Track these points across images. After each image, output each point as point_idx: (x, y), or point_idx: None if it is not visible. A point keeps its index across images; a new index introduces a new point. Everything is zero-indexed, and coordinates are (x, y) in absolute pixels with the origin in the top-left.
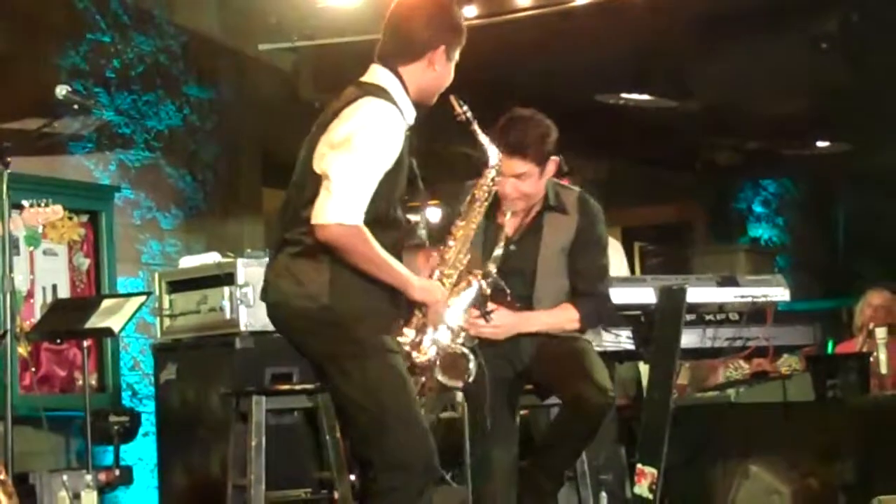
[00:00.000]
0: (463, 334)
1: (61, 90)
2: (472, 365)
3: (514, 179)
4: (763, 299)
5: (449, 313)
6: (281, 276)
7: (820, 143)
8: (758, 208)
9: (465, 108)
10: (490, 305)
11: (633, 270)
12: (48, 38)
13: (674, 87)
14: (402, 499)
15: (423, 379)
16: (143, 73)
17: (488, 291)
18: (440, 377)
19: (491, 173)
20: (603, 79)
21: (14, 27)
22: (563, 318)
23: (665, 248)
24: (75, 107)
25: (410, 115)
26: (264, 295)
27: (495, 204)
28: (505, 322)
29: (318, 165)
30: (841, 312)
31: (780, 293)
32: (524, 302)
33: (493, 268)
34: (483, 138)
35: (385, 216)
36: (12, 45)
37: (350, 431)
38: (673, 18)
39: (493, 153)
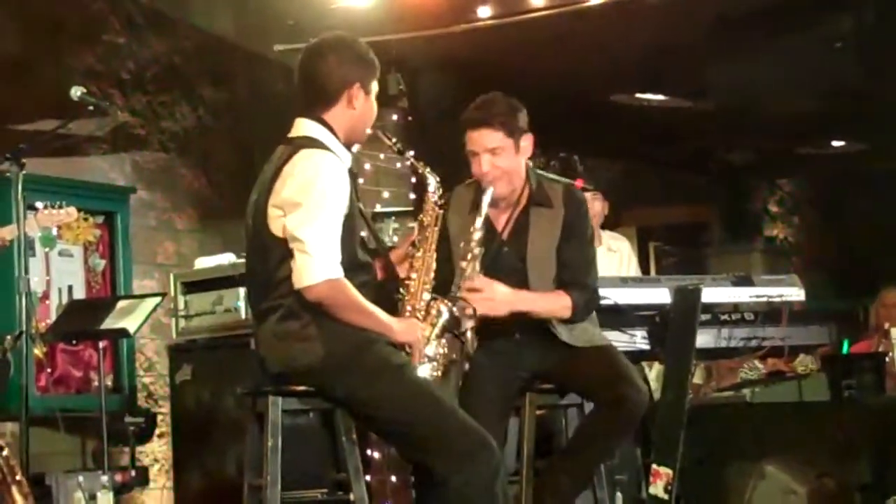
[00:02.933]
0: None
1: (76, 91)
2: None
3: (489, 155)
4: (778, 299)
5: (427, 347)
6: (273, 347)
7: (835, 143)
8: (773, 208)
9: (394, 140)
10: (484, 282)
11: (648, 271)
12: (63, 39)
13: (689, 87)
14: (479, 485)
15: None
16: (157, 75)
17: (457, 313)
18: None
19: (433, 198)
20: (618, 79)
21: (29, 29)
22: (558, 304)
23: (680, 248)
24: (90, 108)
25: (347, 159)
26: (265, 368)
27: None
28: (501, 295)
29: (275, 229)
30: (856, 312)
31: (795, 293)
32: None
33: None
34: (419, 165)
35: (351, 261)
36: (28, 46)
37: (403, 452)
38: (688, 18)
39: (432, 180)
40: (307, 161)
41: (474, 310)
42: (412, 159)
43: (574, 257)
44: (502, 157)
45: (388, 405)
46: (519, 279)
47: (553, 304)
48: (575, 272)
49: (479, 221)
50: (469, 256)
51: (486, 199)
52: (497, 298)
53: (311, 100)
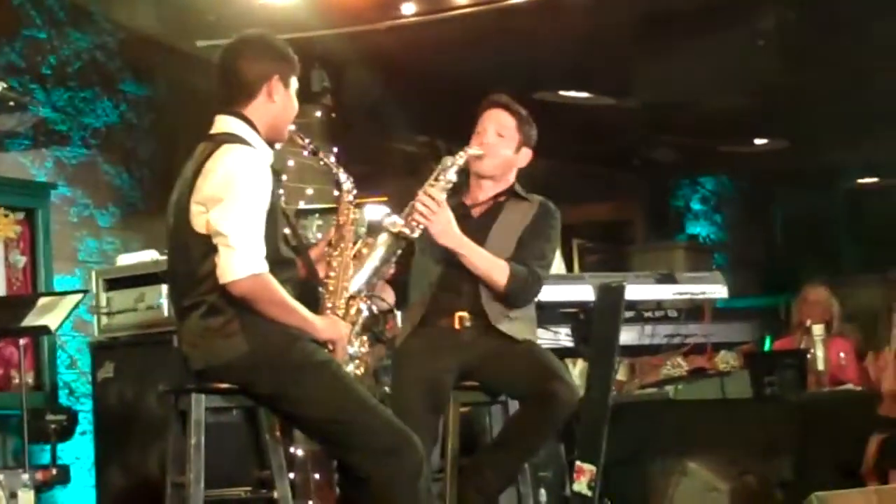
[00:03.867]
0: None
1: None
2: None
3: (496, 135)
4: (701, 296)
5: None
6: (196, 343)
7: (757, 141)
8: (696, 206)
9: (308, 140)
10: (442, 203)
11: (571, 268)
12: None
13: (613, 85)
14: (403, 482)
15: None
16: (79, 70)
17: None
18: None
19: (347, 197)
20: (542, 76)
21: None
22: (497, 267)
23: (604, 245)
24: (11, 103)
25: (268, 154)
26: (188, 365)
27: (458, 192)
28: (451, 225)
29: (198, 225)
30: (779, 309)
31: (718, 290)
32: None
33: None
34: (333, 165)
35: (275, 257)
36: None
37: (328, 450)
38: (611, 15)
39: (345, 179)
40: (228, 156)
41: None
42: (324, 159)
43: (530, 243)
44: (503, 143)
45: (312, 402)
46: None
47: (493, 265)
48: (526, 254)
49: (459, 157)
50: (439, 180)
51: (471, 148)
52: (447, 223)
53: (230, 95)
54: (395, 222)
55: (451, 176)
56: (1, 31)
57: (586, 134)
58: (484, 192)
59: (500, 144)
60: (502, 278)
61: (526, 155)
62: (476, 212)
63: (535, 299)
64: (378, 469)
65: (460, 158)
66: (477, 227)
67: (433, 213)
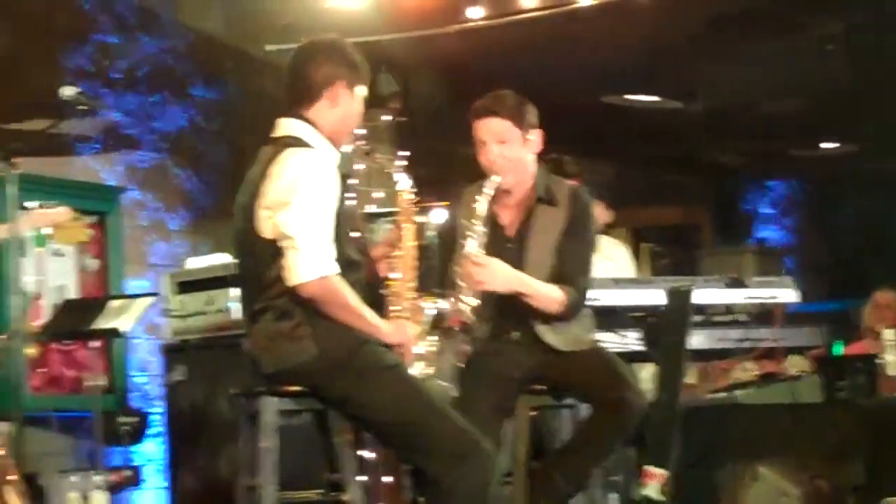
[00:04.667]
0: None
1: (67, 91)
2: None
3: (497, 145)
4: (771, 300)
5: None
6: (266, 347)
7: (826, 145)
8: (765, 209)
9: (363, 142)
10: (485, 259)
11: (640, 272)
12: (54, 39)
13: (680, 89)
14: (472, 486)
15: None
16: (149, 74)
17: (448, 309)
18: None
19: (406, 196)
20: (609, 80)
21: (20, 28)
22: (552, 296)
23: (673, 249)
24: (81, 108)
25: (333, 155)
26: (259, 369)
27: (492, 200)
28: (502, 272)
29: (264, 230)
30: (849, 314)
31: (788, 294)
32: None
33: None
34: (389, 164)
35: (343, 259)
36: (18, 46)
37: (397, 454)
38: (679, 19)
39: (404, 179)
40: (292, 159)
41: (470, 305)
42: (382, 159)
43: (571, 256)
44: (509, 147)
45: (381, 406)
46: None
47: (548, 294)
48: (570, 270)
49: (482, 201)
50: (471, 234)
51: (491, 182)
52: (498, 274)
53: (295, 98)
54: (446, 314)
55: (481, 228)
56: (71, 35)
57: (654, 138)
58: (511, 195)
59: (506, 150)
60: (556, 307)
61: (535, 139)
62: (510, 231)
63: None
64: (447, 473)
65: (484, 200)
66: (514, 247)
67: (486, 273)
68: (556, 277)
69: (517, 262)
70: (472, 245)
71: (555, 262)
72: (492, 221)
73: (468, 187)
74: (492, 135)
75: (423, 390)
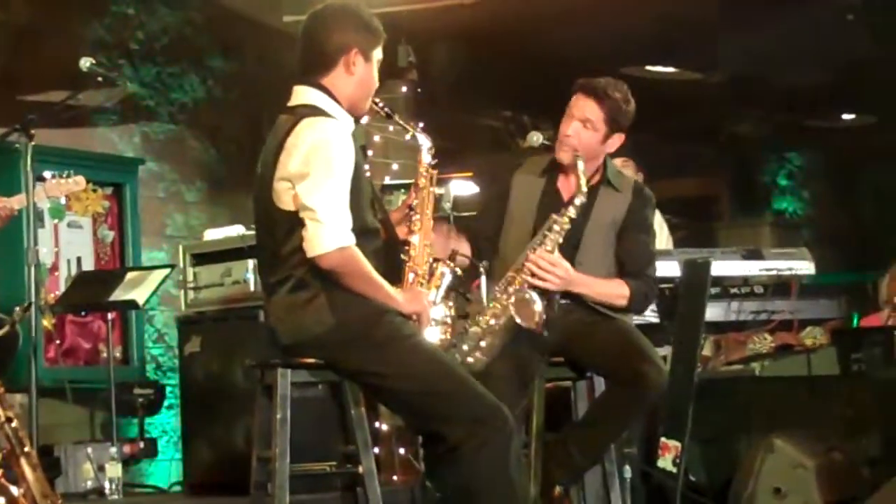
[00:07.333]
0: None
1: (85, 62)
2: (539, 307)
3: (578, 124)
4: (788, 272)
5: (433, 310)
6: (283, 318)
7: (845, 116)
8: (783, 181)
9: (381, 103)
10: (558, 259)
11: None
12: (72, 10)
13: (699, 60)
14: (493, 451)
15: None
16: (167, 46)
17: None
18: (517, 319)
19: (426, 160)
20: (628, 51)
21: (38, 0)
22: (615, 291)
23: (690, 221)
24: (99, 79)
25: (349, 123)
26: (276, 340)
27: (555, 169)
28: (572, 276)
29: (283, 202)
30: (866, 286)
31: (805, 266)
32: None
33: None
34: (409, 127)
35: (362, 227)
36: (36, 17)
37: (417, 422)
38: None
39: (424, 142)
40: (309, 130)
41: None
42: (402, 122)
43: (636, 247)
44: (588, 134)
45: (400, 375)
46: (567, 247)
47: (610, 290)
48: (636, 262)
49: (571, 212)
50: (555, 228)
51: (568, 213)
52: (569, 275)
53: (309, 65)
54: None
55: (577, 204)
56: (89, 7)
57: (672, 109)
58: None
59: (583, 134)
60: (622, 301)
61: (615, 141)
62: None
63: None
64: (469, 438)
65: (567, 219)
66: (571, 224)
67: (557, 272)
68: (622, 270)
69: (573, 236)
70: (550, 242)
71: (612, 248)
72: (556, 195)
73: (531, 157)
74: (582, 114)
75: (441, 357)
